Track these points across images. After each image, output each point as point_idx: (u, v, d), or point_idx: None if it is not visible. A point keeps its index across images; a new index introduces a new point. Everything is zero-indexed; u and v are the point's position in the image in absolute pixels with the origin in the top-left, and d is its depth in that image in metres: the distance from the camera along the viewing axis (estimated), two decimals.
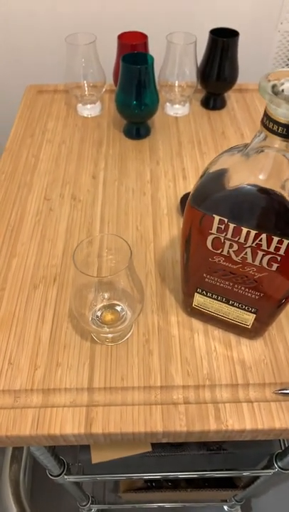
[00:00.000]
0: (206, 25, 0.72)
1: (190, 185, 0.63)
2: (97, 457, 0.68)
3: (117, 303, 0.45)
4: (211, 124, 0.74)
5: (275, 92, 0.27)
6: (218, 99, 0.77)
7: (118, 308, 0.45)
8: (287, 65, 1.03)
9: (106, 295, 0.45)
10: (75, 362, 0.44)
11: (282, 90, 0.27)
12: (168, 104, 0.76)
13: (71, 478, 0.72)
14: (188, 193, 0.59)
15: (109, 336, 0.45)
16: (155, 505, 0.96)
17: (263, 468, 0.72)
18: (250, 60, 1.00)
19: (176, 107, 0.76)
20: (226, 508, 0.99)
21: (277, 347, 0.45)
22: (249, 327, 0.43)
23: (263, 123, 0.29)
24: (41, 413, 0.40)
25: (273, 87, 0.27)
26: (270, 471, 0.70)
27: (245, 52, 0.95)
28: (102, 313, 0.45)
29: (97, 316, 0.45)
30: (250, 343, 0.45)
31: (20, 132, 0.72)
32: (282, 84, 0.27)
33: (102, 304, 0.45)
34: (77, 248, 0.38)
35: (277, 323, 0.47)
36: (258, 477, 0.77)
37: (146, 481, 0.88)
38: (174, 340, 0.45)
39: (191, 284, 0.43)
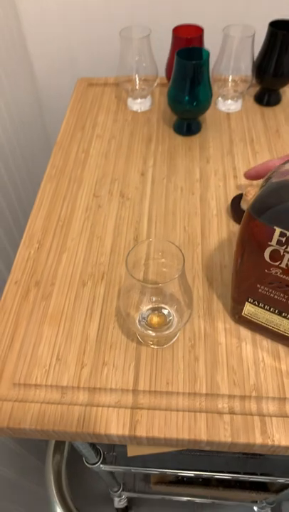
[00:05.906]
0: (264, 18, 0.68)
1: (241, 186, 0.61)
2: (132, 451, 0.70)
3: (165, 306, 0.45)
4: (265, 122, 0.71)
5: None
6: (273, 95, 0.74)
7: (165, 311, 0.45)
8: None
9: (154, 298, 0.45)
10: (120, 362, 0.44)
11: None
12: (220, 99, 0.74)
13: (106, 468, 0.74)
14: (240, 195, 0.58)
15: (155, 339, 0.45)
16: (184, 498, 0.97)
17: None
18: None
19: (229, 103, 0.74)
20: (255, 508, 0.99)
21: None
22: None
23: None
24: (87, 411, 0.41)
25: None
26: None
27: None
28: (148, 316, 0.45)
29: (144, 318, 0.45)
30: None
31: (71, 126, 0.73)
32: None
33: (149, 307, 0.45)
34: (130, 252, 0.38)
35: None
36: None
37: (178, 475, 0.89)
38: (221, 347, 0.45)
39: (243, 292, 0.42)
